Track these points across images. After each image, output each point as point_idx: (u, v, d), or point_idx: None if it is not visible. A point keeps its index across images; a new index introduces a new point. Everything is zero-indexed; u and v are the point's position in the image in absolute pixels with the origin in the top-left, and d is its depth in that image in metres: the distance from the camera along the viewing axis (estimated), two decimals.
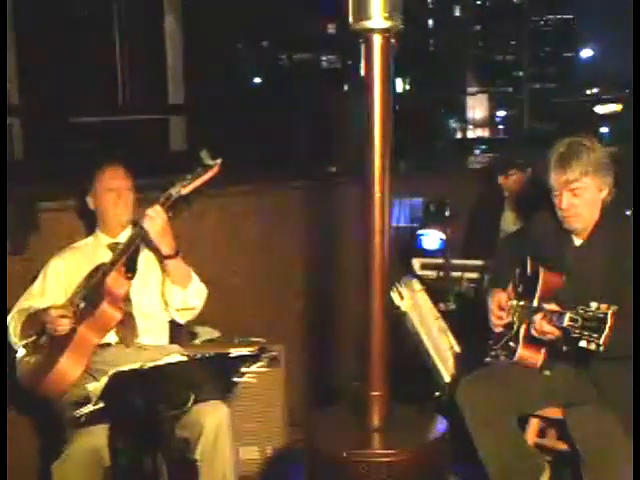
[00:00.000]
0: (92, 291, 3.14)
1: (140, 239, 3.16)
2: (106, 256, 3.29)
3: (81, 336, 3.04)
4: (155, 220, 3.06)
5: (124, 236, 3.34)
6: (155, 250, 3.24)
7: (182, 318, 3.33)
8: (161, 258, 3.21)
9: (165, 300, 3.26)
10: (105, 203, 3.35)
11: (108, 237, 3.38)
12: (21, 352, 3.18)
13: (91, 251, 3.37)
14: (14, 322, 3.21)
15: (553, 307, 2.81)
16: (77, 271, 3.27)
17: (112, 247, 3.32)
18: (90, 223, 3.66)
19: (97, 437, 2.75)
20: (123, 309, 3.12)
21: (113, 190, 3.33)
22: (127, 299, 3.19)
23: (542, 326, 2.81)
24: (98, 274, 3.16)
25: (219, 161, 3.11)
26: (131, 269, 3.19)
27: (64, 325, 3.05)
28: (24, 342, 3.18)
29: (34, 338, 3.16)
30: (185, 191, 3.08)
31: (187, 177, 3.09)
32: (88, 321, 3.06)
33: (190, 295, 3.24)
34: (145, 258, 3.28)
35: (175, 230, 3.15)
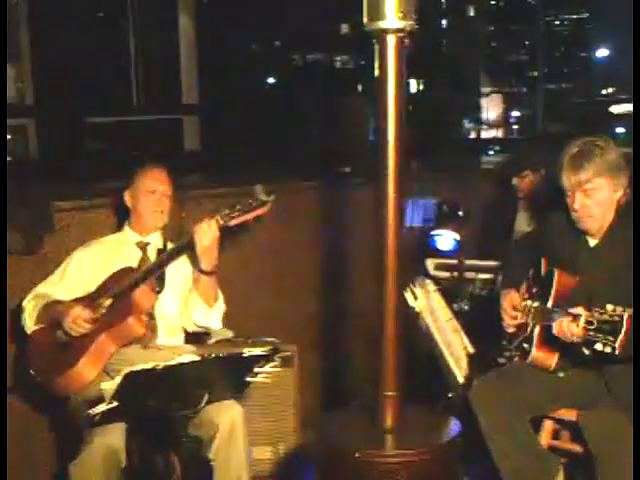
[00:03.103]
0: (120, 294, 3.11)
1: (183, 251, 3.16)
2: (134, 254, 3.30)
3: (101, 344, 3.03)
4: (206, 234, 3.04)
5: (153, 237, 3.35)
6: (190, 260, 3.24)
7: (190, 329, 3.33)
8: (196, 270, 3.19)
9: (187, 312, 3.25)
10: (144, 205, 3.31)
11: (138, 235, 3.36)
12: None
13: (118, 247, 3.35)
14: (30, 306, 3.21)
15: (578, 310, 2.71)
16: (101, 265, 3.26)
17: (141, 246, 3.33)
18: (107, 222, 3.68)
19: (114, 437, 2.76)
20: (146, 322, 3.10)
21: (155, 193, 3.30)
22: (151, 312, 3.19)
23: (571, 329, 2.68)
24: (129, 279, 3.13)
25: (272, 198, 3.09)
26: (160, 283, 3.20)
27: (83, 328, 3.04)
28: (36, 328, 3.17)
29: (47, 327, 3.15)
30: (233, 222, 3.06)
31: (236, 207, 3.06)
32: (110, 331, 3.04)
33: (214, 315, 3.23)
34: None
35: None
